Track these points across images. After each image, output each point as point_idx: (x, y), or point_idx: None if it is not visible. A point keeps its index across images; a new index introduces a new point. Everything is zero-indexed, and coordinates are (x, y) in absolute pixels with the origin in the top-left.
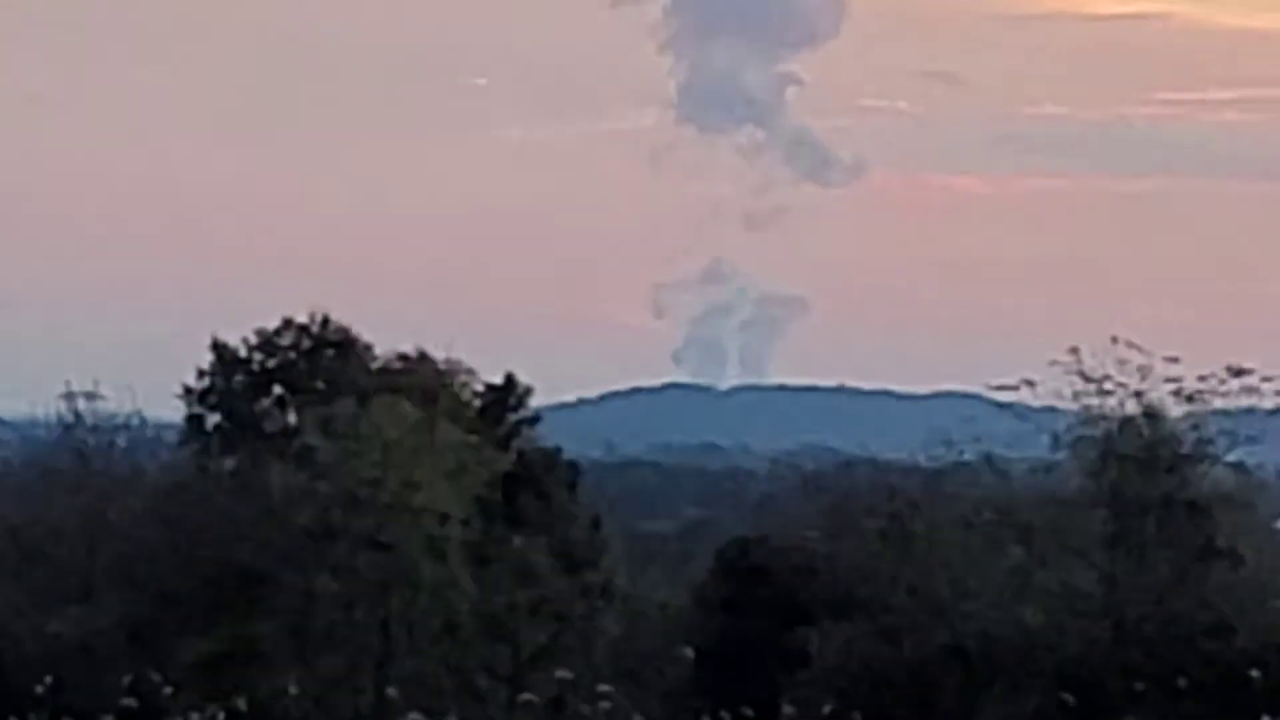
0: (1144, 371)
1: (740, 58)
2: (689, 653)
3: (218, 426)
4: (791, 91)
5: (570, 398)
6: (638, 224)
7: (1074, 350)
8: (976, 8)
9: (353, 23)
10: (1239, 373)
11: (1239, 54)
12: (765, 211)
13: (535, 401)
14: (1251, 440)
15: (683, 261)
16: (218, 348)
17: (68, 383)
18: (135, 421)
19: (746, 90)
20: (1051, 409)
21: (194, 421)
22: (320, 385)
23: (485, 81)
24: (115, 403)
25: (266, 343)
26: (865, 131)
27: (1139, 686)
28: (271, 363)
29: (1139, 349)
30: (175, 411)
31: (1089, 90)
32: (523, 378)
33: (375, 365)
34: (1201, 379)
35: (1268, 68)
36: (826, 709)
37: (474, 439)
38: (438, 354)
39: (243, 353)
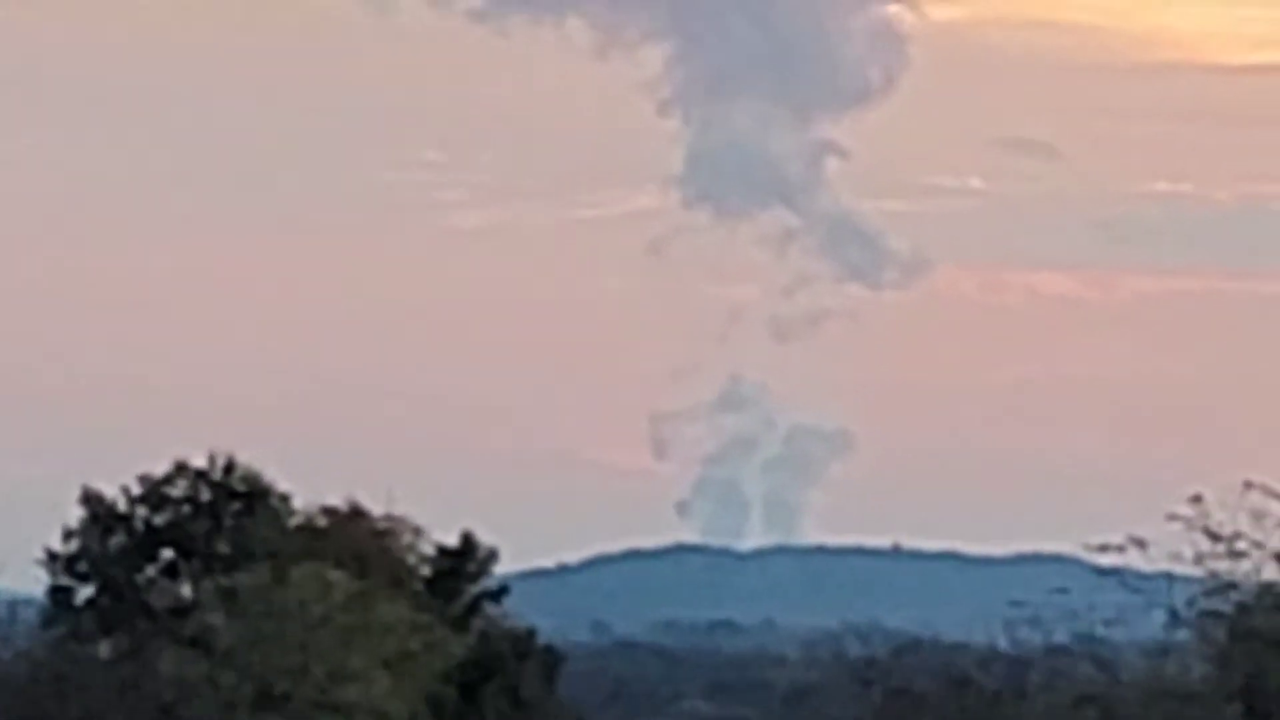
0: None
1: (765, 122)
2: None
3: (90, 601)
4: (832, 165)
5: (547, 563)
6: (632, 334)
7: (1197, 499)
8: (1070, 57)
9: (261, 79)
10: None
11: None
12: (798, 318)
13: (501, 568)
14: None
15: (691, 383)
16: (90, 500)
17: None
18: None
19: (773, 163)
20: (1168, 576)
21: (59, 595)
22: (223, 548)
23: (437, 155)
24: None
25: (153, 493)
26: (927, 216)
27: None
28: (160, 519)
29: None
30: (35, 583)
31: (1216, 164)
32: (485, 538)
33: (294, 522)
34: None
35: None
36: None
37: (423, 617)
38: (374, 508)
39: (122, 506)
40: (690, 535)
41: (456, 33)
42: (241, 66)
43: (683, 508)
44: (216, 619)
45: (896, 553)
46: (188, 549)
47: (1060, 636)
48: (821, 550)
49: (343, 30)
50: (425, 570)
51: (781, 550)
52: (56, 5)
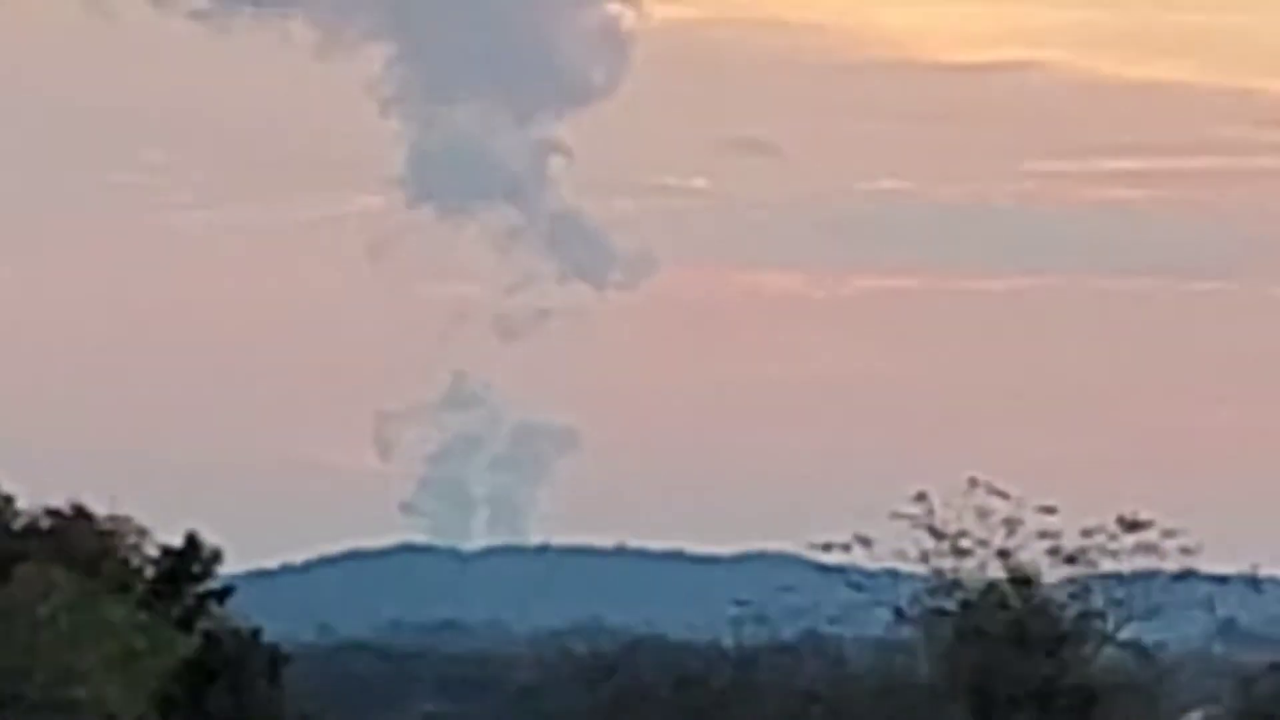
0: (1012, 524)
1: (488, 121)
2: None
3: None
4: (556, 164)
5: (271, 564)
6: (355, 334)
7: (921, 497)
8: (794, 57)
9: None
10: (1134, 526)
11: (1131, 113)
12: (522, 315)
13: (226, 569)
14: (1151, 612)
15: (415, 382)
16: None
17: None
18: None
19: (496, 161)
20: (893, 573)
21: None
22: None
23: (161, 155)
24: None
25: None
26: (652, 216)
27: None
28: None
29: (1004, 495)
30: None
31: (939, 162)
32: (209, 538)
33: (18, 524)
34: (1085, 534)
35: (1169, 131)
36: None
37: (147, 617)
38: (99, 509)
39: None
40: (416, 535)
41: (178, 33)
42: None
43: (407, 508)
44: None
45: (621, 552)
46: None
47: (786, 634)
48: (547, 550)
49: (61, 29)
50: (150, 571)
51: (507, 550)
52: None
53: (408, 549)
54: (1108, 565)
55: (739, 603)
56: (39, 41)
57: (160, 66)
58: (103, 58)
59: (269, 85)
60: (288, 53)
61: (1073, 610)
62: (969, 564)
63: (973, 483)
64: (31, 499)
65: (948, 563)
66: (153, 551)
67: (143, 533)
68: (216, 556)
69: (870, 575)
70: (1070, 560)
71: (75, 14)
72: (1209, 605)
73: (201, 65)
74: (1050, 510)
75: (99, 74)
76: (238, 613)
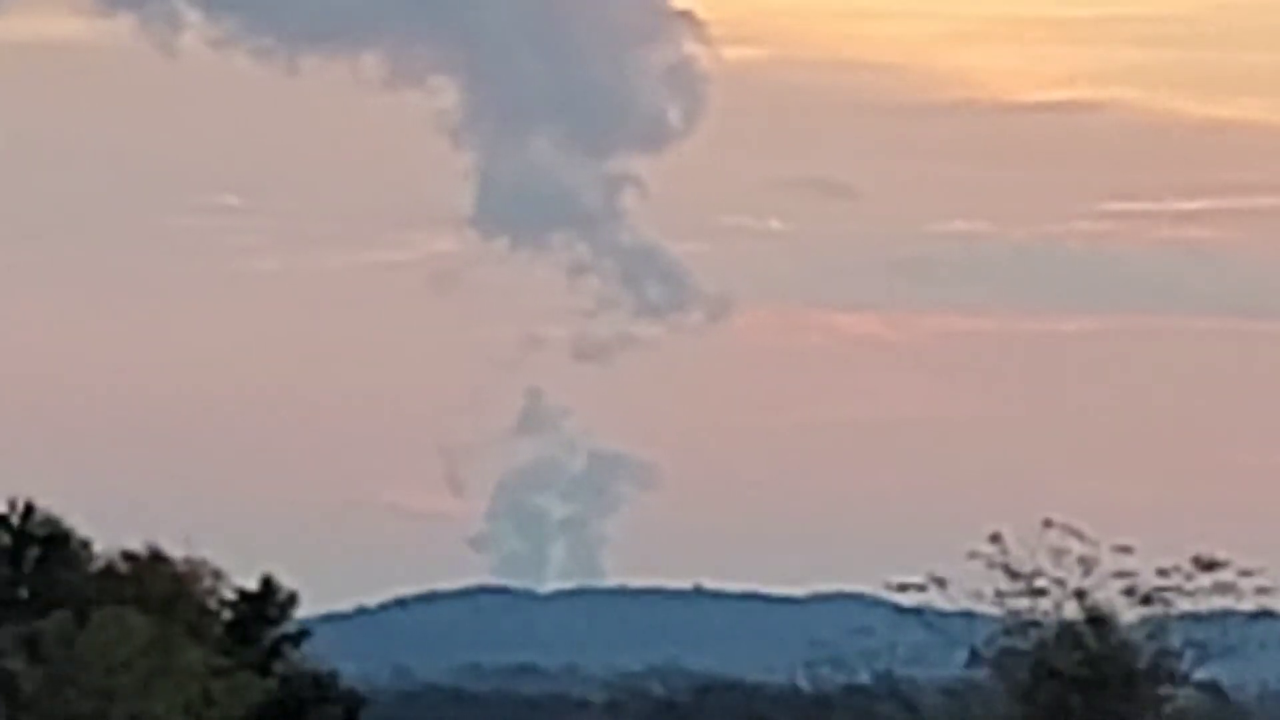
0: (1087, 564)
1: (562, 154)
2: None
3: None
4: (631, 198)
5: (347, 606)
6: (428, 370)
7: (996, 538)
8: (868, 98)
9: (53, 124)
10: (1210, 565)
11: (1204, 152)
12: (599, 340)
13: (302, 612)
14: (1228, 652)
15: (488, 417)
16: None
17: None
18: None
19: (570, 194)
20: (968, 614)
21: None
22: (23, 594)
23: (235, 200)
24: None
25: None
26: (727, 256)
27: None
28: None
29: (1080, 535)
30: None
31: (1011, 202)
32: (285, 581)
33: (95, 568)
34: (1162, 574)
35: (1243, 170)
36: None
37: (223, 661)
38: (175, 552)
39: None
40: (491, 577)
41: (244, 73)
42: (26, 117)
43: (479, 543)
44: (18, 665)
45: (697, 594)
46: None
47: (861, 676)
48: (623, 591)
49: (129, 74)
50: (226, 614)
51: (583, 592)
52: None
53: (484, 590)
54: (1184, 605)
55: (814, 644)
56: (104, 86)
57: (228, 107)
58: (168, 101)
59: (336, 124)
60: (357, 89)
61: (1149, 650)
62: (1044, 604)
63: (1048, 523)
64: (108, 542)
65: (1023, 603)
66: (229, 594)
67: (219, 576)
68: (292, 599)
69: (946, 616)
70: (1146, 600)
71: (141, 58)
72: None
73: (266, 105)
74: (1126, 550)
75: (167, 118)
76: (314, 656)
